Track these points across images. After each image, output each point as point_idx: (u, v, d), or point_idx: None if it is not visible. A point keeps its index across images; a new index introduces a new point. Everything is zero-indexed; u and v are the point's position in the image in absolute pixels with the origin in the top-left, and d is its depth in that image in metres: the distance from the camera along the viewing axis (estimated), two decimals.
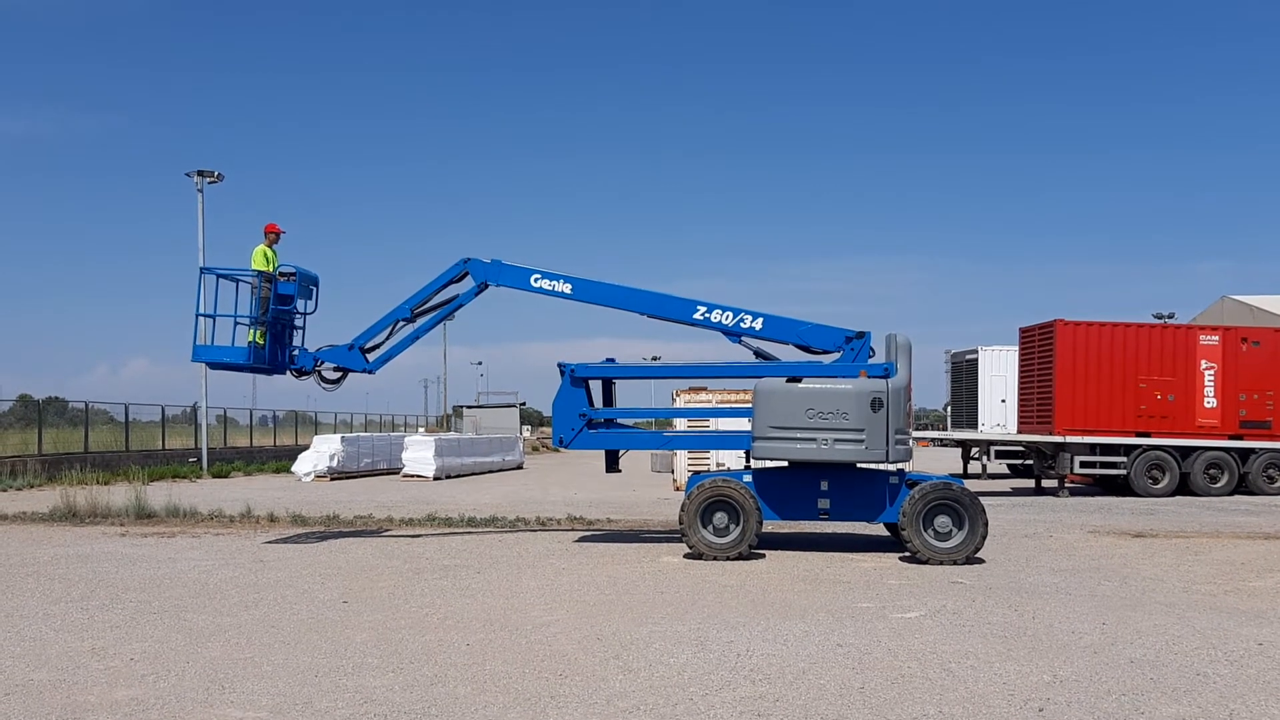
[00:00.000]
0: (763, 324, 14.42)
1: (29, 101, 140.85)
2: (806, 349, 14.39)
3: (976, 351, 32.11)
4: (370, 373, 15.39)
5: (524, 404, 79.03)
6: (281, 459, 39.39)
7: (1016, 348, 27.68)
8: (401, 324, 15.29)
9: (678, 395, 25.87)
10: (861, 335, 14.07)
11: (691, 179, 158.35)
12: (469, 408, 71.78)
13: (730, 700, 6.58)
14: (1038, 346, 25.78)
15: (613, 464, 15.75)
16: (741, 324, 14.45)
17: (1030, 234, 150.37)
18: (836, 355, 14.11)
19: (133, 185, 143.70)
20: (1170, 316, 47.39)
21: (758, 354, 14.61)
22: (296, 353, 15.47)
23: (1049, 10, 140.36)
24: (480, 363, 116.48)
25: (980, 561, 12.79)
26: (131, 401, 36.67)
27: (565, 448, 14.81)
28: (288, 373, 15.54)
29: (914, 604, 9.96)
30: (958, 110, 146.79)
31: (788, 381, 13.17)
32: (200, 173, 34.59)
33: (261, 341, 14.88)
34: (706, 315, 14.51)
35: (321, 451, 33.28)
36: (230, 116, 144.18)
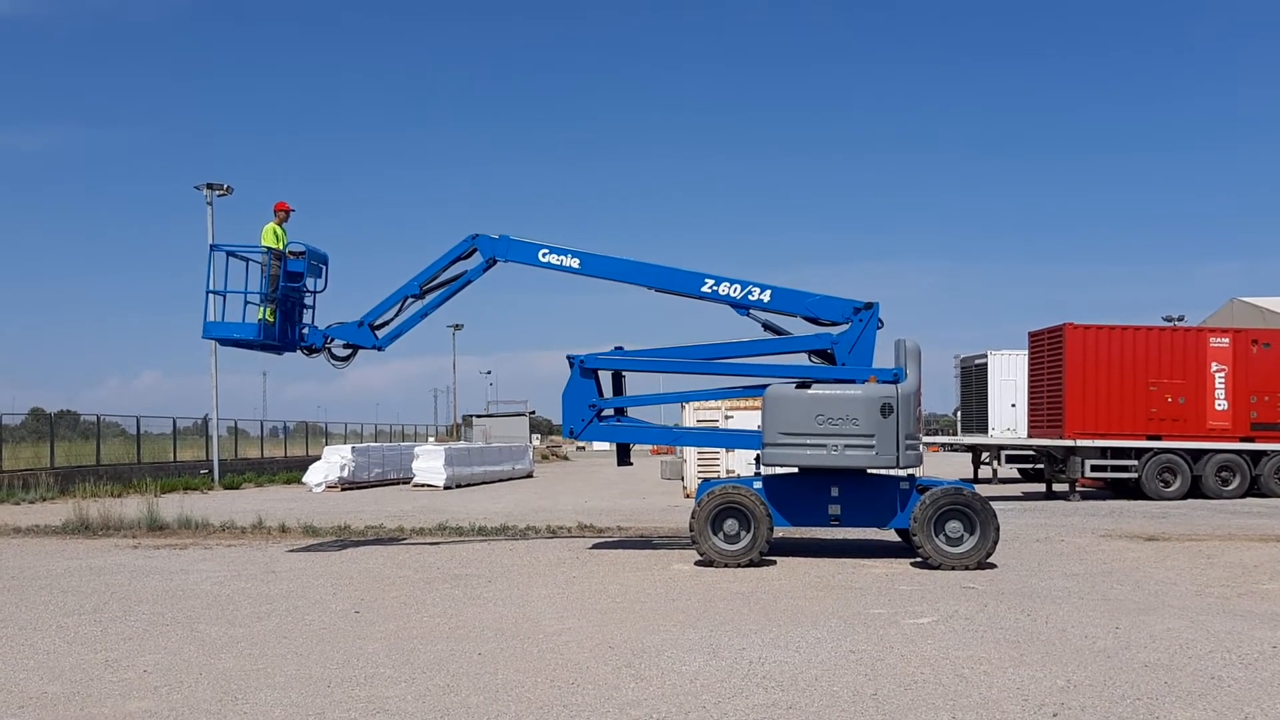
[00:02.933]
0: (771, 296, 14.40)
1: (37, 114, 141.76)
2: (815, 321, 14.38)
3: (986, 356, 32.03)
4: (380, 349, 15.43)
5: (533, 412, 79.18)
6: (292, 470, 39.45)
7: (1026, 352, 27.63)
8: (411, 300, 15.30)
9: (684, 407, 25.85)
10: (870, 306, 14.05)
11: (696, 182, 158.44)
12: (479, 417, 72.00)
13: (743, 708, 6.58)
14: (1047, 350, 25.72)
15: (624, 457, 15.80)
16: (749, 296, 14.43)
17: (1038, 237, 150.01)
18: (845, 326, 14.11)
19: (142, 198, 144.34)
20: (1180, 319, 47.19)
21: (766, 326, 14.62)
22: (306, 330, 15.50)
23: (1056, 12, 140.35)
24: (489, 371, 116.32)
25: (992, 566, 12.76)
26: (143, 414, 36.86)
27: (575, 439, 14.84)
28: (298, 350, 15.57)
29: (926, 609, 9.94)
30: (965, 113, 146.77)
31: (797, 388, 13.18)
32: (209, 185, 34.73)
33: (271, 319, 14.91)
34: (714, 288, 14.50)
35: (332, 462, 33.37)
36: (240, 127, 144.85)
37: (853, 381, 13.44)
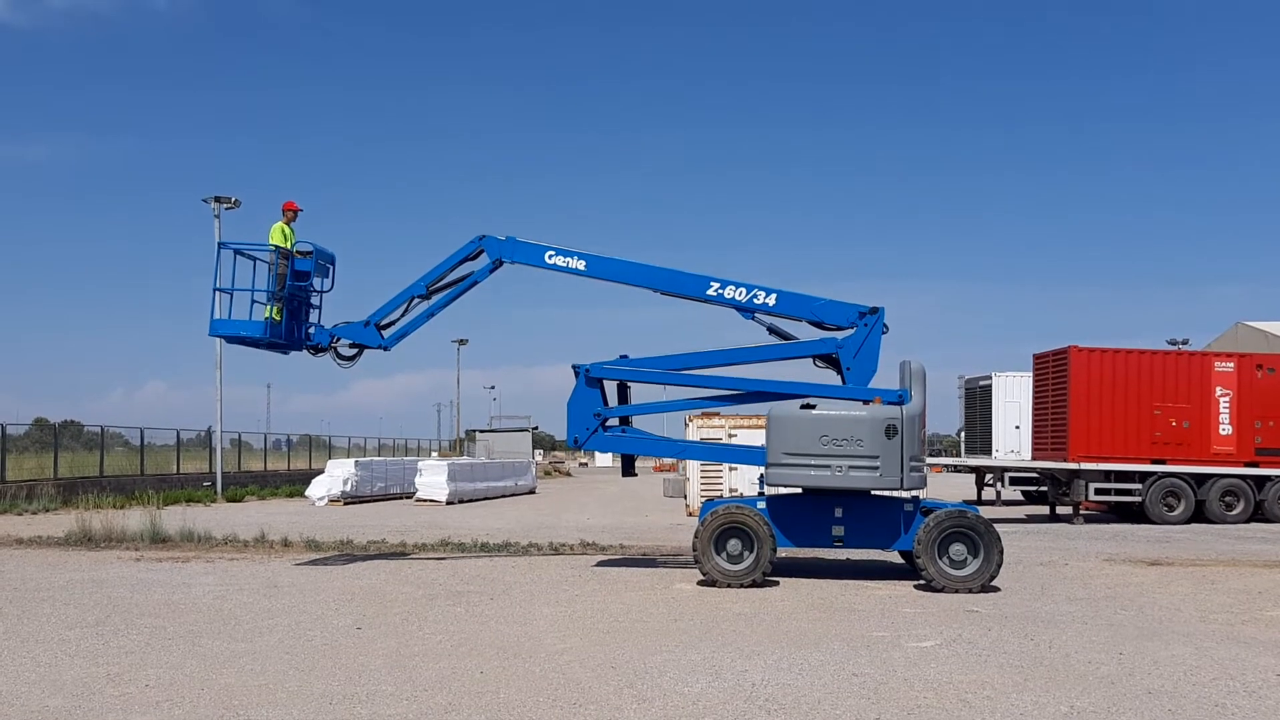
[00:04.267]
0: (776, 300, 14.42)
1: (40, 124, 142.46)
2: (820, 325, 14.43)
3: (990, 377, 32.04)
4: (385, 349, 15.43)
5: (536, 428, 79.06)
6: (295, 483, 39.44)
7: (1030, 374, 27.62)
8: (417, 301, 15.30)
9: (690, 419, 25.89)
10: (875, 310, 14.07)
11: (698, 199, 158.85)
12: (482, 432, 71.94)
13: None
14: (1052, 373, 25.70)
15: (629, 468, 15.78)
16: (755, 300, 14.46)
17: (1043, 258, 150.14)
18: (850, 331, 14.16)
19: (146, 208, 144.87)
20: (1184, 342, 47.22)
21: (772, 330, 14.65)
22: (312, 329, 15.52)
23: (1060, 31, 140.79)
24: (493, 386, 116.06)
25: (995, 590, 12.72)
26: (147, 425, 36.94)
27: (579, 448, 14.84)
28: (304, 349, 15.58)
29: (929, 633, 9.91)
30: (969, 132, 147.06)
31: (801, 408, 13.19)
32: (217, 199, 34.81)
33: (278, 317, 14.93)
34: (720, 291, 14.54)
35: (335, 476, 33.38)
36: (243, 134, 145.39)
37: (857, 401, 13.46)
